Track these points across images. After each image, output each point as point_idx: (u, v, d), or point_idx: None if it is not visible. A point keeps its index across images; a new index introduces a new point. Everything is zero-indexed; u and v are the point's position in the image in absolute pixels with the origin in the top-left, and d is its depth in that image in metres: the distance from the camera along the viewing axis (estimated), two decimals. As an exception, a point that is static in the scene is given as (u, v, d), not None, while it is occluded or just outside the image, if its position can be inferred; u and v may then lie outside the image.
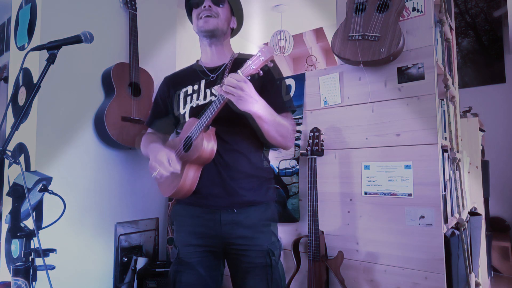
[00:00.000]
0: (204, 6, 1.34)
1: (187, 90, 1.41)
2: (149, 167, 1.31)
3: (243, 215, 1.30)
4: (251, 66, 1.10)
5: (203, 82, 1.39)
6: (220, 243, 1.32)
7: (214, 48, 1.41)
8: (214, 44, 1.40)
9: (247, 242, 1.30)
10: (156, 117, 1.52)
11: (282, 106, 1.32)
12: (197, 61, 1.50)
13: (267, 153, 1.48)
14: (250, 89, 1.10)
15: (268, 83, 1.30)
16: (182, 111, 1.39)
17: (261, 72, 1.12)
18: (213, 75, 1.39)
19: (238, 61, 1.38)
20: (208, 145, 1.22)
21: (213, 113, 1.19)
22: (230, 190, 1.29)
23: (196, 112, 1.33)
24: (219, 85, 1.15)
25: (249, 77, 1.11)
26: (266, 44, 4.56)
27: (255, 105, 1.14)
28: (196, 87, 1.39)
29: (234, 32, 1.51)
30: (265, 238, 1.33)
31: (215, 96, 1.32)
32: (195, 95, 1.38)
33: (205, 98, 1.36)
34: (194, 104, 1.37)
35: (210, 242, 1.32)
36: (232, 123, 1.29)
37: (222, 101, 1.17)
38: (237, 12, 1.46)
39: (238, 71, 1.11)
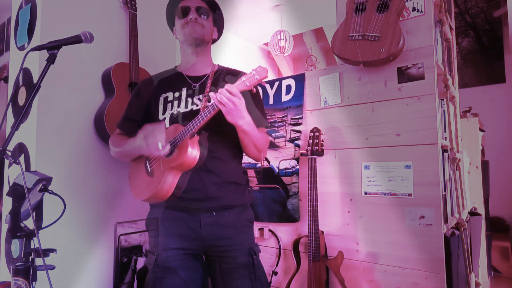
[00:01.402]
0: (191, 18, 1.37)
1: (167, 96, 1.42)
2: (143, 148, 1.25)
3: (222, 217, 1.33)
4: (246, 83, 1.16)
5: (184, 90, 1.40)
6: (201, 246, 1.34)
7: (197, 57, 1.44)
8: (198, 53, 1.43)
9: (228, 243, 1.33)
10: (130, 119, 1.50)
11: (260, 122, 1.38)
12: (176, 67, 1.51)
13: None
14: (241, 105, 1.18)
15: (252, 98, 1.35)
16: (161, 117, 1.40)
17: (254, 89, 1.19)
18: (195, 85, 1.41)
19: (221, 73, 1.43)
20: (192, 152, 1.23)
21: (201, 121, 1.22)
22: (209, 195, 1.32)
23: (177, 119, 1.35)
24: (213, 92, 1.19)
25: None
26: (266, 44, 4.56)
27: (242, 120, 1.20)
28: (177, 94, 1.41)
29: (213, 42, 1.54)
30: (245, 237, 1.37)
31: (196, 105, 1.36)
32: (176, 102, 1.39)
33: (186, 106, 1.38)
34: (175, 111, 1.38)
35: (190, 245, 1.33)
36: (214, 132, 1.32)
37: (212, 111, 1.20)
38: (218, 24, 1.50)
39: (233, 85, 1.16)
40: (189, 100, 1.38)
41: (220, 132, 1.34)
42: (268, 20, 4.15)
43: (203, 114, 1.22)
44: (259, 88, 1.46)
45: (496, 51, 4.10)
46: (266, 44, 4.67)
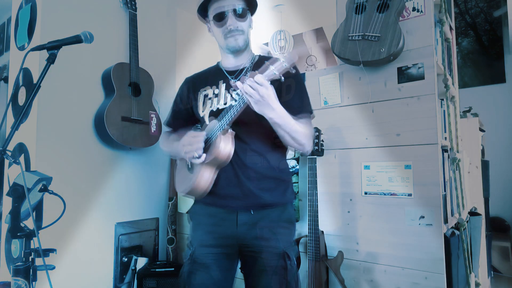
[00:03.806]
0: (230, 26, 1.32)
1: (207, 93, 1.41)
2: (182, 155, 1.30)
3: (260, 216, 1.30)
4: (274, 72, 1.09)
5: (223, 86, 1.39)
6: (236, 244, 1.32)
7: (237, 55, 1.41)
8: (238, 55, 1.40)
9: (263, 244, 1.29)
10: (175, 117, 1.52)
11: (301, 109, 1.31)
12: (218, 63, 1.49)
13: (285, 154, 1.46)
14: (268, 94, 1.11)
15: (289, 86, 1.30)
16: (201, 113, 1.39)
17: (282, 78, 1.11)
18: (234, 78, 1.38)
19: (259, 64, 1.35)
20: (226, 148, 1.21)
21: (233, 116, 1.19)
22: (246, 192, 1.28)
23: (216, 115, 1.32)
24: (240, 81, 1.14)
25: (269, 81, 1.11)
26: (266, 44, 4.56)
27: (272, 111, 1.14)
28: (216, 90, 1.39)
29: None
30: (281, 240, 1.32)
31: (235, 100, 1.31)
32: (215, 99, 1.38)
33: (225, 101, 1.35)
34: (214, 107, 1.36)
35: (226, 243, 1.32)
36: (250, 124, 1.29)
37: (242, 105, 1.16)
38: (253, 13, 1.44)
39: (260, 74, 1.10)
40: (228, 95, 1.35)
41: (255, 123, 1.27)
42: (268, 20, 4.15)
43: (234, 108, 1.19)
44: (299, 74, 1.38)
45: (496, 51, 4.10)
46: (266, 44, 4.66)
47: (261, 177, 1.30)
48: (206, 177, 1.27)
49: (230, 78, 1.39)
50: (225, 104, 1.35)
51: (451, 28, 2.18)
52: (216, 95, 1.38)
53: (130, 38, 2.11)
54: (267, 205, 1.31)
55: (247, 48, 1.42)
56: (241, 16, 1.34)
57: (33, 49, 1.18)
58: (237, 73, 1.39)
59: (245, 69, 1.39)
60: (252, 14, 1.44)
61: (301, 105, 1.33)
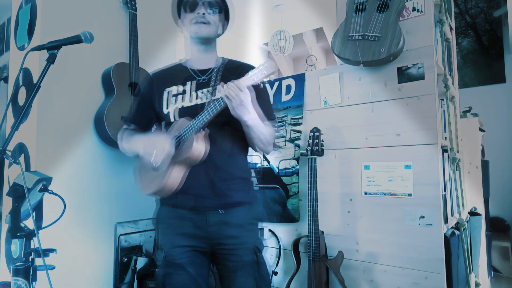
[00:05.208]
0: (199, 13, 1.36)
1: (171, 90, 1.42)
2: (142, 156, 1.31)
3: (230, 215, 1.33)
4: (253, 78, 1.18)
5: (189, 84, 1.40)
6: (208, 244, 1.34)
7: (204, 53, 1.43)
8: (205, 50, 1.43)
9: (235, 241, 1.33)
10: (137, 114, 1.51)
11: (268, 115, 1.39)
12: (180, 60, 1.51)
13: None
14: (247, 100, 1.20)
15: (259, 92, 1.34)
16: (165, 110, 1.40)
17: (261, 84, 1.21)
18: (202, 78, 1.40)
19: (229, 67, 1.44)
20: (198, 147, 1.23)
21: (210, 116, 1.23)
22: (218, 192, 1.32)
23: (183, 113, 1.35)
24: (221, 86, 1.22)
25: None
26: (266, 44, 4.56)
27: (247, 115, 1.22)
28: (181, 88, 1.41)
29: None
30: (251, 236, 1.38)
31: (201, 99, 1.36)
32: (180, 96, 1.39)
33: (191, 100, 1.37)
34: (179, 105, 1.38)
35: (198, 243, 1.34)
36: (222, 125, 1.33)
37: (219, 107, 1.21)
38: (226, 17, 1.48)
39: (241, 80, 1.18)
40: (194, 94, 1.38)
41: (227, 125, 1.33)
42: (268, 20, 4.16)
43: (209, 109, 1.23)
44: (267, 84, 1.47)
45: (496, 51, 4.10)
46: (266, 44, 4.67)
47: (231, 177, 1.36)
48: (175, 176, 1.27)
49: (197, 78, 1.41)
50: (190, 102, 1.37)
51: (451, 28, 2.18)
52: (181, 93, 1.40)
53: (130, 38, 2.11)
54: (236, 204, 1.35)
55: (212, 46, 1.45)
56: (211, 8, 1.38)
57: (33, 49, 1.18)
58: (206, 73, 1.41)
59: (214, 69, 1.42)
60: (226, 22, 1.48)
61: (268, 112, 1.41)
